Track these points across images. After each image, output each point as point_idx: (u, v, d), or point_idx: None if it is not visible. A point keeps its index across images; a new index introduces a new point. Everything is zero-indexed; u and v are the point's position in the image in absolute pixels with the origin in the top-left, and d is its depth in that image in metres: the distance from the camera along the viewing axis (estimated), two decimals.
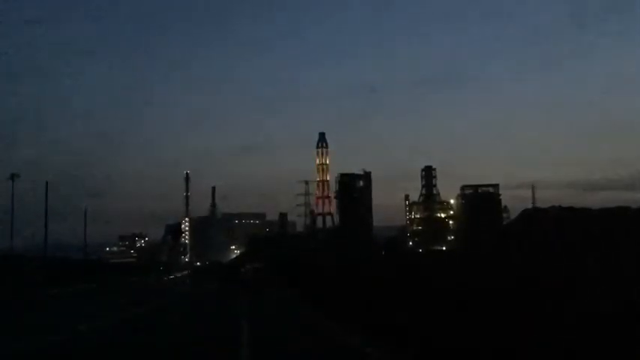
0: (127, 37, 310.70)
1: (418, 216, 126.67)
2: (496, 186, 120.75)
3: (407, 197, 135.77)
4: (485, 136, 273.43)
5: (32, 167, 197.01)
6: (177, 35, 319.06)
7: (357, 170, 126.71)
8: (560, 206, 72.76)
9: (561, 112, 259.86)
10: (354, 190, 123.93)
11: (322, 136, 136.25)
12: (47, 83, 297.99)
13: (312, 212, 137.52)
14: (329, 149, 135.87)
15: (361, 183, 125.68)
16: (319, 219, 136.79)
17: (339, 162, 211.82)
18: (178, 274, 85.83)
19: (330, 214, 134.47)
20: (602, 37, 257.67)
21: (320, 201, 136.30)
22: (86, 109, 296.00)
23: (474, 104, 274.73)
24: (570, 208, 73.06)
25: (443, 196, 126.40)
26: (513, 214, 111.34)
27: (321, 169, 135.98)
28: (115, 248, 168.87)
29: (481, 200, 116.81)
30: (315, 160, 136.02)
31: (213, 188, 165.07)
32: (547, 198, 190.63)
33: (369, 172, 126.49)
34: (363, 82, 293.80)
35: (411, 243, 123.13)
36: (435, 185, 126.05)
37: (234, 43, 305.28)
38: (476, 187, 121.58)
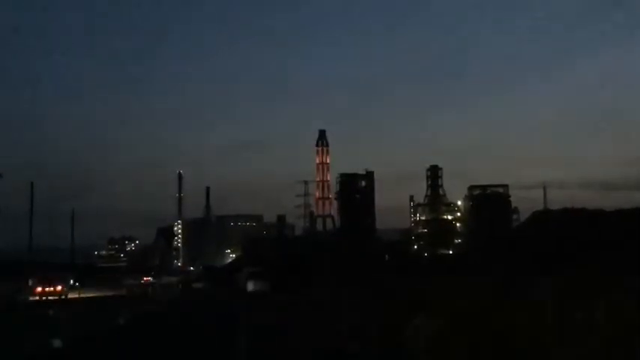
0: (118, 32, 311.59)
1: (423, 218, 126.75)
2: (506, 186, 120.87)
3: (411, 198, 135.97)
4: (494, 134, 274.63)
5: (18, 167, 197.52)
6: (172, 29, 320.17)
7: (359, 170, 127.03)
8: (572, 207, 73.19)
9: (576, 109, 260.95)
10: (355, 190, 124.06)
11: (322, 134, 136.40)
12: (35, 82, 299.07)
13: (311, 214, 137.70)
14: (329, 148, 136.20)
15: (363, 183, 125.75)
16: (319, 221, 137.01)
17: (340, 161, 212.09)
18: None
19: (330, 216, 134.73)
20: (618, 33, 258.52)
21: (320, 202, 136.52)
22: (75, 107, 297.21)
23: (482, 101, 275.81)
24: (582, 210, 73.45)
25: (449, 197, 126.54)
26: (524, 216, 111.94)
27: (321, 169, 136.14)
28: (104, 252, 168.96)
29: (490, 201, 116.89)
30: (315, 159, 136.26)
31: (208, 189, 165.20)
32: (562, 199, 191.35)
33: (372, 172, 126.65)
34: (366, 77, 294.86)
35: (415, 246, 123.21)
36: (441, 186, 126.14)
37: (230, 38, 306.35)
38: (484, 187, 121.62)
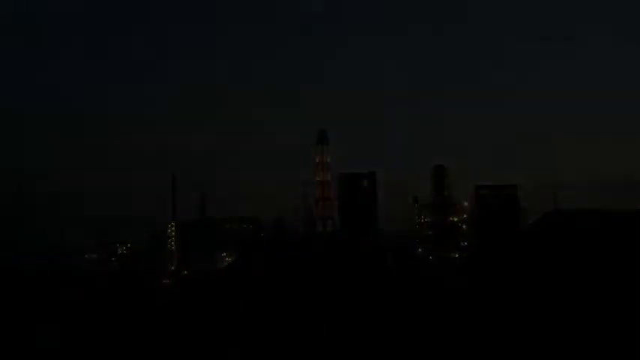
0: (114, 25, 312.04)
1: (428, 220, 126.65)
2: (514, 187, 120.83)
3: (416, 199, 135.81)
4: (501, 132, 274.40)
5: (7, 168, 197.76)
6: (172, 29, 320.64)
7: (361, 170, 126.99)
8: (582, 208, 73.11)
9: (586, 106, 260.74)
10: (356, 191, 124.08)
11: (322, 133, 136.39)
12: (27, 79, 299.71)
13: (311, 215, 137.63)
14: (330, 146, 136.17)
15: (365, 183, 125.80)
16: (319, 223, 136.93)
17: (341, 160, 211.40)
18: None
19: (330, 217, 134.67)
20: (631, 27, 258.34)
21: (320, 203, 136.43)
22: (68, 102, 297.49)
23: (489, 98, 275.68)
24: (596, 211, 73.31)
25: (455, 198, 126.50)
26: (534, 217, 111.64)
27: (321, 169, 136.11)
28: (94, 255, 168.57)
29: (498, 202, 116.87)
30: (315, 159, 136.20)
31: (203, 189, 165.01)
32: (574, 198, 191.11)
33: (374, 172, 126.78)
34: (368, 74, 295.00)
35: (420, 249, 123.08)
36: (446, 186, 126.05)
37: (230, 37, 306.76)
38: (492, 187, 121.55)
